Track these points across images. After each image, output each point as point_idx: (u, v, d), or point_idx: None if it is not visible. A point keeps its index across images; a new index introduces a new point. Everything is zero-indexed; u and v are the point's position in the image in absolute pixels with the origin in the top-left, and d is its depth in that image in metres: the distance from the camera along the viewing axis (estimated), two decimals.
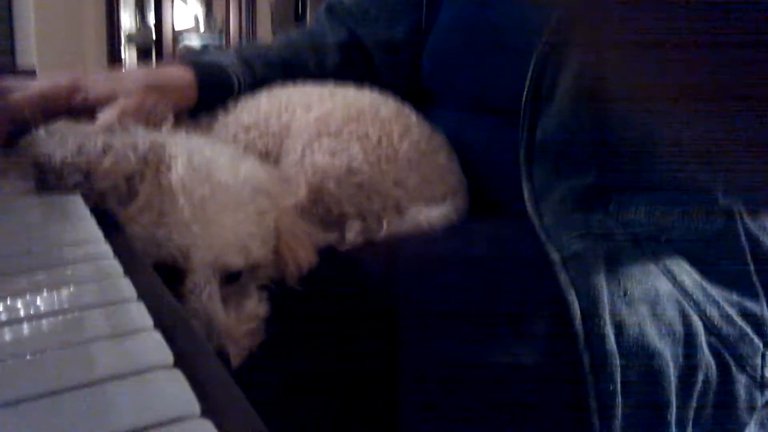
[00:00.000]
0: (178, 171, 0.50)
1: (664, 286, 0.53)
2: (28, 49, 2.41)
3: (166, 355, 0.22)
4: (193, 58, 0.78)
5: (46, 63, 2.41)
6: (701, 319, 0.53)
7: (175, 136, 0.58)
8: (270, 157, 0.71)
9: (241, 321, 0.52)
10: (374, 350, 0.51)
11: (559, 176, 0.59)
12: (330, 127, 0.68)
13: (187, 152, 0.52)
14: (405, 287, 0.53)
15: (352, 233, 0.63)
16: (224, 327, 0.49)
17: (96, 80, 0.66)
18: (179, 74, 0.72)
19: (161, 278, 0.37)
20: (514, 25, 0.71)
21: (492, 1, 0.75)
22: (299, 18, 3.05)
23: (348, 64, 0.87)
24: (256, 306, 0.54)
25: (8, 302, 0.27)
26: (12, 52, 2.35)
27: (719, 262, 0.56)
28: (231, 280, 0.53)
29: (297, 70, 0.83)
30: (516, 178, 0.62)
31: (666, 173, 0.55)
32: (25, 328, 0.25)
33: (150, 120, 0.64)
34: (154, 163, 0.50)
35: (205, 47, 3.07)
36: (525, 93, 0.61)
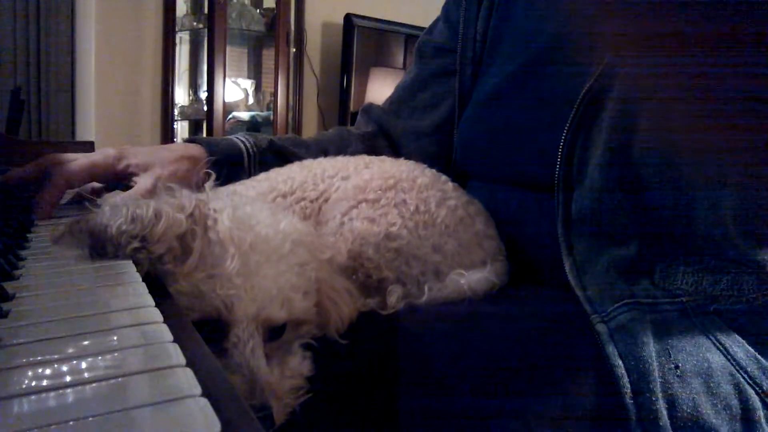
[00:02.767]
0: (224, 223, 0.51)
1: (717, 358, 0.51)
2: (89, 122, 2.55)
3: (213, 424, 0.21)
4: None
5: (104, 135, 2.54)
6: (757, 393, 0.50)
7: (216, 193, 0.59)
8: (308, 221, 0.72)
9: (285, 377, 0.51)
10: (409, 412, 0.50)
11: (600, 248, 0.58)
12: (368, 195, 0.70)
13: (231, 206, 0.53)
14: (444, 353, 0.53)
15: (394, 298, 0.63)
16: (267, 382, 0.48)
17: (137, 152, 0.74)
18: (195, 147, 0.81)
19: (205, 333, 0.36)
20: (539, 114, 0.73)
21: (511, 103, 0.78)
22: (344, 92, 3.16)
23: (371, 152, 0.92)
24: (299, 363, 0.53)
25: (55, 367, 0.27)
26: (73, 124, 2.50)
27: None
28: (275, 336, 0.52)
29: (317, 152, 0.89)
30: (553, 248, 0.62)
31: (707, 241, 0.54)
32: (70, 394, 0.24)
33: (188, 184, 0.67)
34: (202, 218, 0.51)
35: (253, 119, 3.19)
36: (557, 169, 0.62)
